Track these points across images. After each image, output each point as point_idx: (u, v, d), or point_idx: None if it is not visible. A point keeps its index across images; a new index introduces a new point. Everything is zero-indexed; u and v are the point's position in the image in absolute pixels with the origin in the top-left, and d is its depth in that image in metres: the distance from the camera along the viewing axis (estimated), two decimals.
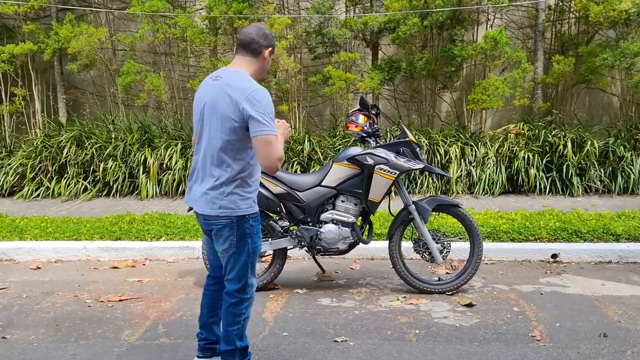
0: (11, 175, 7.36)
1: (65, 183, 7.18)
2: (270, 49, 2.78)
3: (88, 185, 7.23)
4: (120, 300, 4.14)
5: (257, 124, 2.58)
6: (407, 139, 4.11)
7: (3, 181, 7.34)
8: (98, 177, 7.18)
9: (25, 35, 7.87)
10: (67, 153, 7.26)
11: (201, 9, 8.02)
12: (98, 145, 7.27)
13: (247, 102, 2.59)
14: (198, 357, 3.07)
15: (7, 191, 7.37)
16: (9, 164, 7.46)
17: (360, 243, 4.22)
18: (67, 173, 7.28)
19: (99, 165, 7.16)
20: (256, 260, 2.87)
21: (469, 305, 3.93)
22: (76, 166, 7.28)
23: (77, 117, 8.03)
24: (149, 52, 7.95)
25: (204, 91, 2.78)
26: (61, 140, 7.37)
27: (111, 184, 7.13)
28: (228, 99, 2.63)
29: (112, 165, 7.11)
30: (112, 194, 7.13)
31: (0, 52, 7.58)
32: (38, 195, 7.22)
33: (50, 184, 7.26)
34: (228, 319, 2.85)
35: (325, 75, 7.28)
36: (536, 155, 6.87)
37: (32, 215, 6.35)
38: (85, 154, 7.25)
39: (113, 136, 7.36)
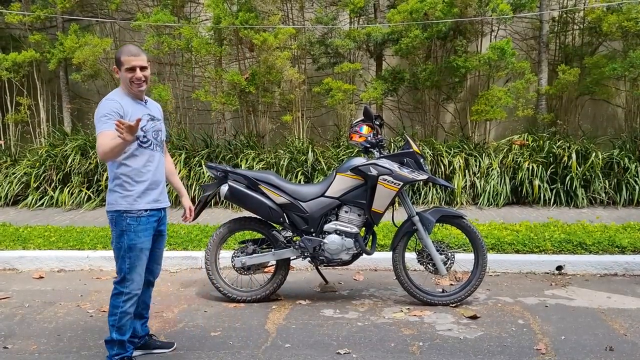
0: (15, 184, 7.38)
1: (69, 192, 7.20)
2: (115, 67, 3.19)
3: (91, 195, 7.24)
4: None
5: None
6: (411, 150, 4.10)
7: (7, 190, 7.37)
8: (101, 186, 7.19)
9: (31, 45, 7.93)
10: (71, 162, 7.28)
11: (206, 19, 8.07)
12: None
13: None
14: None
15: (12, 200, 7.39)
16: (14, 173, 7.49)
17: (364, 254, 4.20)
18: (71, 182, 7.30)
19: (103, 175, 7.18)
20: (135, 257, 3.05)
21: (473, 317, 3.90)
22: (80, 175, 7.31)
23: (82, 127, 8.08)
24: (153, 62, 7.99)
25: None
26: (66, 150, 7.40)
27: None
28: None
29: None
30: None
31: (2, 61, 7.63)
32: (42, 204, 7.24)
33: (54, 193, 7.28)
34: (110, 309, 3.09)
35: (327, 86, 7.30)
36: (540, 166, 6.85)
37: (35, 224, 6.36)
38: (90, 164, 7.27)
39: None
